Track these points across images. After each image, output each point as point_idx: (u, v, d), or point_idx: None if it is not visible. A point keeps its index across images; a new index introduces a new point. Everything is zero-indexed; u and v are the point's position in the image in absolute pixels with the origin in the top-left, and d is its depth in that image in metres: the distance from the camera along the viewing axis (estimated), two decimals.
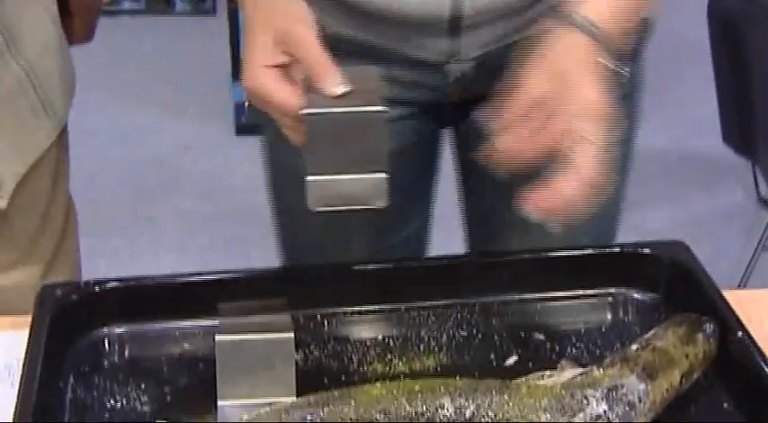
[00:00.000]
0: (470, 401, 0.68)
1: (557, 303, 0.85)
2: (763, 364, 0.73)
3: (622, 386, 0.69)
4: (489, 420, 0.67)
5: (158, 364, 0.78)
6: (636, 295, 0.86)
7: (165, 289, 0.82)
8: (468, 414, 0.67)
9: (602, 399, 0.68)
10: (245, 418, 0.70)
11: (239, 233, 2.35)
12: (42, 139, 0.91)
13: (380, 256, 1.02)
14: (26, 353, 0.73)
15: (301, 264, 0.86)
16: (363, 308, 0.84)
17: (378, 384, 0.69)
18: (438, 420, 0.67)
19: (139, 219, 2.38)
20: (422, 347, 0.81)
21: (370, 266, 0.86)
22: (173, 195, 2.47)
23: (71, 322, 0.78)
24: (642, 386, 0.69)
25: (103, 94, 2.83)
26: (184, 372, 0.78)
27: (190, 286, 0.83)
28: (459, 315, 0.84)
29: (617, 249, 0.88)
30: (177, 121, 2.77)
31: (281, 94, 0.73)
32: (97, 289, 0.80)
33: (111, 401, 0.74)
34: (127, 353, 0.80)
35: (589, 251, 0.87)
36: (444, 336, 0.82)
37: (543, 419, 0.67)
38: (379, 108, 0.70)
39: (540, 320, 0.84)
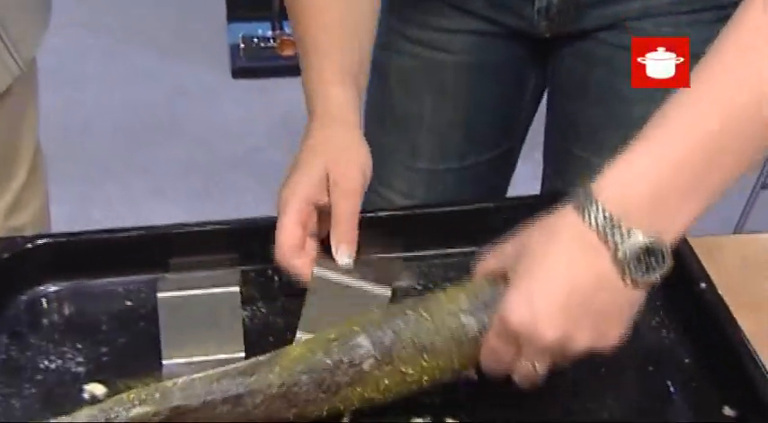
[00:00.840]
0: (386, 330, 0.64)
1: None
2: (724, 318, 0.69)
3: None
4: (410, 341, 0.63)
5: (100, 323, 0.76)
6: None
7: (105, 244, 0.79)
8: (387, 343, 0.64)
9: None
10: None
11: (234, 179, 2.32)
12: (2, 78, 0.87)
13: (466, 175, 1.03)
14: None
15: (252, 217, 0.83)
16: None
17: (300, 344, 0.66)
18: (359, 361, 0.64)
19: (134, 165, 2.35)
20: None
21: None
22: (168, 141, 2.43)
23: (5, 280, 0.75)
24: None
25: (98, 37, 2.78)
26: (129, 330, 0.75)
27: (132, 241, 0.80)
28: (417, 268, 0.81)
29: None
30: (172, 64, 2.72)
31: (289, 241, 0.70)
32: (31, 245, 0.76)
33: (46, 362, 0.72)
34: (66, 311, 0.77)
35: (550, 198, 0.83)
36: (399, 290, 0.79)
37: (465, 321, 0.63)
38: (384, 292, 0.70)
39: None
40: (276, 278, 0.80)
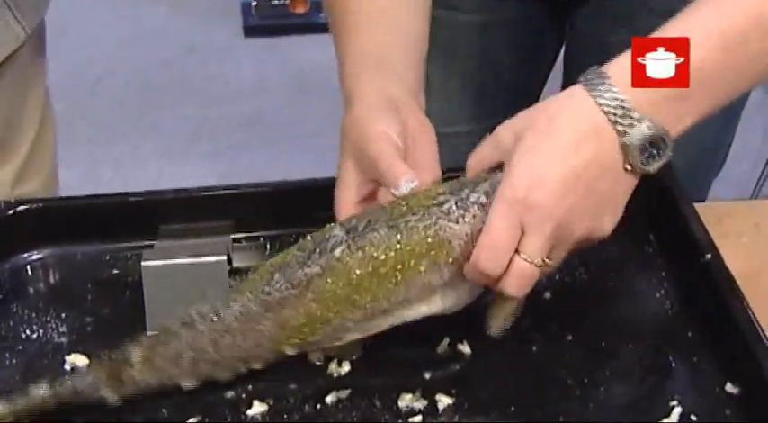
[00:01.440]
0: (361, 219, 0.62)
1: None
2: (729, 291, 0.66)
3: None
4: (383, 223, 0.61)
5: (85, 292, 0.74)
6: None
7: (91, 210, 0.77)
8: (360, 228, 0.61)
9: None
10: None
11: (245, 139, 2.29)
12: (8, 43, 0.85)
13: (476, 140, 0.99)
14: None
15: (243, 183, 0.80)
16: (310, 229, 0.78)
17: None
18: (331, 248, 0.61)
19: (144, 126, 2.33)
20: None
21: (319, 184, 0.79)
22: (178, 100, 2.41)
23: None
24: None
25: None
26: (115, 299, 0.73)
27: (120, 206, 0.78)
28: None
29: None
30: (183, 22, 2.68)
31: None
32: (14, 211, 0.74)
33: (28, 332, 0.70)
34: (51, 279, 0.75)
35: None
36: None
37: (442, 199, 0.61)
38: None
39: None
40: (268, 246, 0.78)
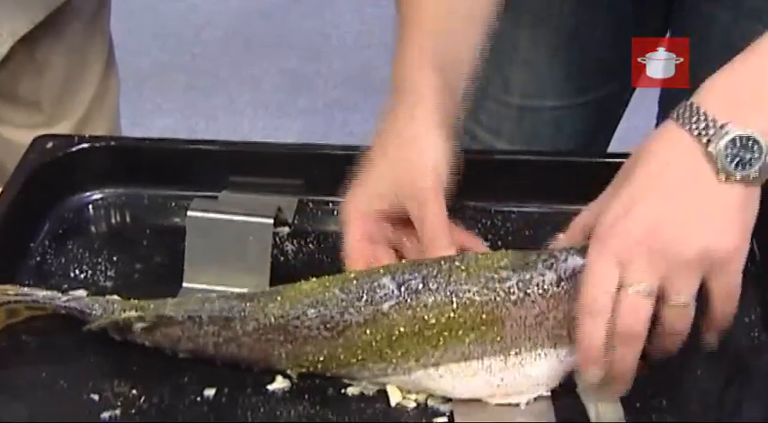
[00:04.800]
0: (416, 274, 0.58)
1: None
2: None
3: None
4: (441, 286, 0.58)
5: (142, 238, 0.72)
6: None
7: (163, 154, 0.76)
8: (414, 286, 0.58)
9: (581, 252, 0.58)
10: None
11: (342, 96, 2.23)
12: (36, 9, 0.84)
13: (561, 117, 0.94)
14: None
15: (320, 143, 0.77)
16: None
17: (313, 280, 0.61)
18: (379, 300, 0.58)
19: (242, 76, 2.29)
20: None
21: None
22: (279, 52, 2.36)
23: (56, 180, 0.73)
24: None
25: None
26: (169, 249, 0.71)
27: (192, 153, 0.76)
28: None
29: None
30: None
31: (356, 262, 0.64)
32: (84, 146, 0.73)
33: (77, 272, 0.69)
34: (113, 220, 0.74)
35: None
36: None
37: (505, 275, 0.58)
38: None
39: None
40: (335, 213, 0.74)
